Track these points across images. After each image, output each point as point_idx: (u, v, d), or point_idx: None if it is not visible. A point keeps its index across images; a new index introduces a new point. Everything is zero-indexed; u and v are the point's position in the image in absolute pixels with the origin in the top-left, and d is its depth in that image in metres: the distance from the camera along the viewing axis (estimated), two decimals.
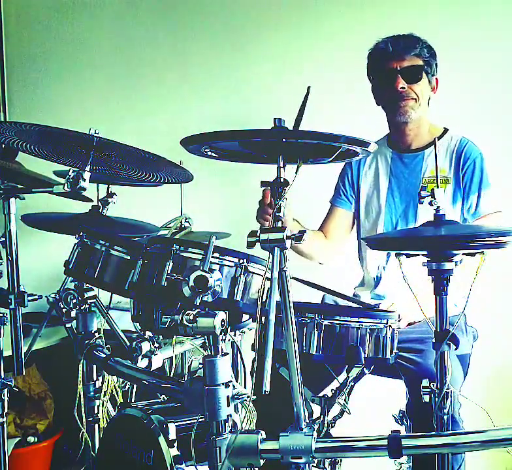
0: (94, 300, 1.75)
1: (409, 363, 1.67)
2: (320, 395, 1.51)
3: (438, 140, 1.95)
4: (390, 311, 1.53)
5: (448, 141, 1.97)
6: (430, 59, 1.93)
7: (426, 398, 1.34)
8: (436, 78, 1.98)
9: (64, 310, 1.73)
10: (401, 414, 1.67)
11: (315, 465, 1.35)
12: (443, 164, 1.92)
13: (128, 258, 1.47)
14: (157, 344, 1.59)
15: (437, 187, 1.38)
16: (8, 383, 1.57)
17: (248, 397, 1.24)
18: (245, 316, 1.53)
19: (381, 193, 2.03)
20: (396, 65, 1.90)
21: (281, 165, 1.22)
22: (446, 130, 2.02)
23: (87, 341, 1.71)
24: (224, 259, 1.30)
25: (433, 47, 1.97)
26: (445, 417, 1.33)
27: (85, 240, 1.55)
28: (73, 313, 1.74)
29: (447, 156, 1.94)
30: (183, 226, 2.17)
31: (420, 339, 1.76)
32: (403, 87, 1.90)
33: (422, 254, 1.37)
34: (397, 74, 1.90)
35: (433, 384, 1.34)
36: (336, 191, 2.17)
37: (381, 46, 1.94)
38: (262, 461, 1.23)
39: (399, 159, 2.02)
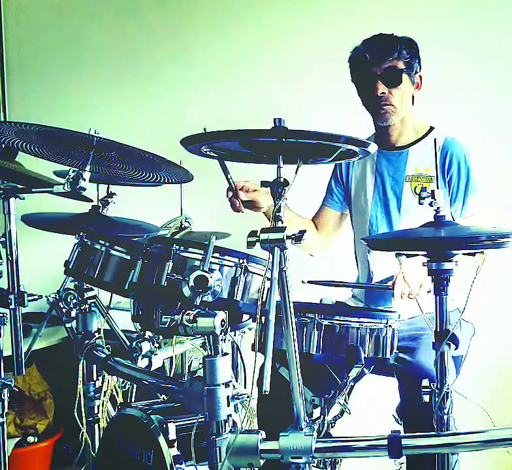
0: (94, 300, 1.75)
1: (399, 363, 1.67)
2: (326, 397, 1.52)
3: (424, 138, 1.98)
4: (390, 311, 1.53)
5: (433, 140, 1.96)
6: (410, 59, 1.90)
7: (426, 398, 1.35)
8: (420, 75, 1.95)
9: (64, 310, 1.73)
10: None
11: (315, 465, 1.35)
12: (427, 163, 1.91)
13: (128, 258, 1.47)
14: (157, 344, 1.59)
15: (437, 187, 1.38)
16: (8, 383, 1.57)
17: (248, 397, 1.24)
18: (245, 316, 1.53)
19: (367, 191, 2.03)
20: (375, 70, 1.89)
21: (281, 165, 1.23)
22: (431, 128, 2.01)
23: (87, 341, 1.72)
24: (224, 259, 1.30)
25: (416, 43, 1.93)
26: (445, 417, 1.33)
27: (85, 240, 1.55)
28: (73, 313, 1.74)
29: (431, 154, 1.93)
30: (183, 226, 2.17)
31: (413, 336, 1.77)
32: (383, 92, 1.89)
33: (422, 254, 1.37)
34: (376, 79, 1.88)
35: (433, 384, 1.34)
36: (327, 191, 2.19)
37: (359, 52, 1.92)
38: (262, 461, 1.23)
39: (384, 157, 2.01)
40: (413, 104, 1.99)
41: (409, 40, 1.93)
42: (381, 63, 1.88)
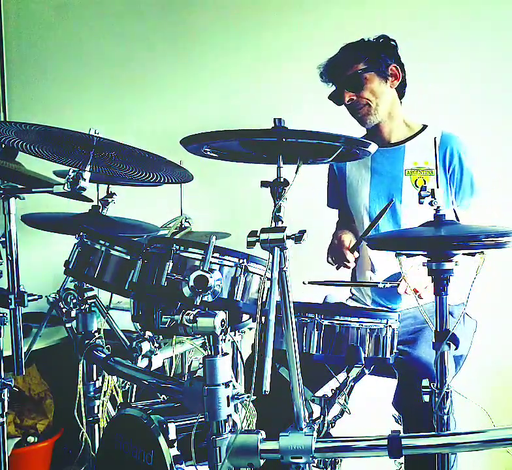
0: (94, 300, 1.75)
1: (401, 354, 1.67)
2: (320, 394, 1.52)
3: (419, 133, 2.00)
4: (390, 311, 1.53)
5: (429, 135, 1.98)
6: (370, 57, 1.93)
7: (426, 398, 1.35)
8: (394, 66, 1.96)
9: (64, 310, 1.73)
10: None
11: (315, 465, 1.35)
12: (427, 156, 1.92)
13: (128, 258, 1.47)
14: (157, 344, 1.59)
15: (438, 186, 1.38)
16: (8, 383, 1.57)
17: (248, 397, 1.24)
18: (245, 316, 1.53)
19: (363, 189, 2.04)
20: (338, 82, 1.96)
21: (281, 165, 1.23)
22: (425, 125, 2.03)
23: (87, 341, 1.72)
24: (224, 259, 1.30)
25: (384, 37, 1.96)
26: (445, 417, 1.33)
27: (85, 240, 1.55)
28: (73, 313, 1.74)
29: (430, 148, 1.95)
30: (183, 226, 2.17)
31: (416, 329, 1.77)
32: (352, 98, 1.94)
33: (422, 254, 1.37)
34: (342, 91, 1.94)
35: (433, 384, 1.34)
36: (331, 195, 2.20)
37: (321, 75, 2.00)
38: (262, 461, 1.23)
39: (380, 154, 2.00)
40: (401, 97, 2.01)
41: (368, 43, 1.97)
42: (340, 75, 1.95)
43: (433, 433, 1.30)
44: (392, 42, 1.99)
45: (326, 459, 1.51)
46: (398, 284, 1.77)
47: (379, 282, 1.85)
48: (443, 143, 1.94)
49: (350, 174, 2.09)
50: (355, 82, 1.92)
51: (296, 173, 1.23)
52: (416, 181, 1.94)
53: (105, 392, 1.76)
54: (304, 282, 1.75)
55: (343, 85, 1.95)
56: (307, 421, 1.27)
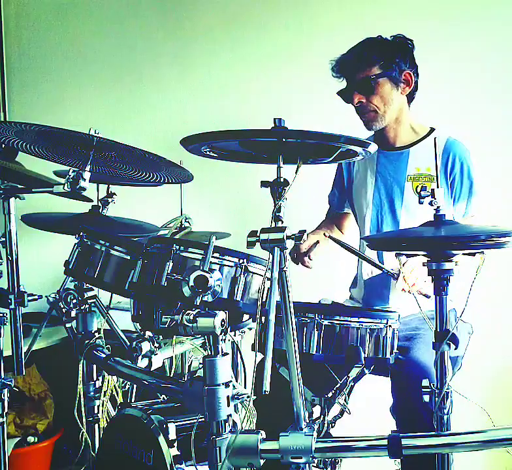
0: (94, 300, 1.75)
1: (393, 362, 1.67)
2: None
3: (425, 138, 1.98)
4: (390, 311, 1.53)
5: (434, 140, 1.97)
6: (386, 61, 1.89)
7: (426, 398, 1.35)
8: (407, 73, 1.92)
9: (64, 310, 1.73)
10: None
11: (315, 465, 1.35)
12: (430, 162, 1.92)
13: (128, 258, 1.47)
14: (157, 344, 1.59)
15: (438, 186, 1.38)
16: (8, 383, 1.57)
17: (248, 397, 1.24)
18: (245, 316, 1.53)
19: (367, 191, 2.03)
20: (351, 82, 1.93)
21: (281, 165, 1.23)
22: (432, 129, 2.02)
23: (87, 341, 1.72)
24: (224, 259, 1.30)
25: (401, 41, 1.93)
26: (445, 417, 1.33)
27: (85, 240, 1.55)
28: (73, 313, 1.75)
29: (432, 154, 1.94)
30: (183, 226, 2.17)
31: (407, 336, 1.77)
32: (361, 102, 1.91)
33: (422, 254, 1.37)
34: (352, 91, 1.92)
35: (433, 384, 1.34)
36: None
37: (333, 70, 1.97)
38: (262, 461, 1.23)
39: (384, 157, 2.02)
40: (410, 101, 1.99)
41: (384, 42, 1.93)
42: (353, 76, 1.92)
43: (433, 433, 1.30)
44: (409, 43, 1.94)
45: (326, 459, 1.52)
46: (397, 273, 1.75)
47: (385, 269, 1.83)
48: (446, 150, 1.92)
49: (356, 176, 2.09)
50: (367, 86, 1.89)
51: (296, 173, 1.23)
52: (417, 187, 1.94)
53: (105, 392, 1.76)
54: (324, 234, 1.88)
55: (354, 86, 1.92)
56: (307, 421, 1.27)
